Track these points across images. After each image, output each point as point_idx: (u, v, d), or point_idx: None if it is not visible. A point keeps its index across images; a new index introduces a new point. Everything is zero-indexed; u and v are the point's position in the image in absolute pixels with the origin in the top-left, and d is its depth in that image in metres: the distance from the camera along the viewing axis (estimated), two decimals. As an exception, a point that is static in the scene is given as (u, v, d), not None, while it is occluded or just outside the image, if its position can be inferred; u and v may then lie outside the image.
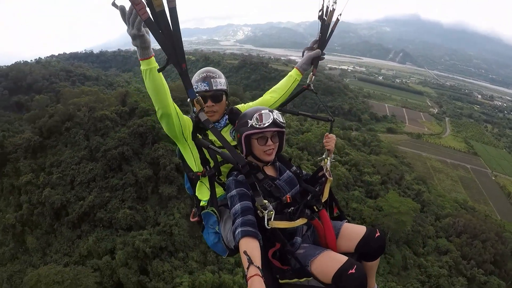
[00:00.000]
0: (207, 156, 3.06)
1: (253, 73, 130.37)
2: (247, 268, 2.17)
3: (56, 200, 37.45)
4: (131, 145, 40.76)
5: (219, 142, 2.88)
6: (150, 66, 2.47)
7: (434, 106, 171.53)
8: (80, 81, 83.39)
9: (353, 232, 3.10)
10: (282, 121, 2.97)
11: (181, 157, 3.37)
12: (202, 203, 3.32)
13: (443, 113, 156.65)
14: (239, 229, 2.51)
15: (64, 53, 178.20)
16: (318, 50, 3.67)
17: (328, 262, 2.71)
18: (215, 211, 3.09)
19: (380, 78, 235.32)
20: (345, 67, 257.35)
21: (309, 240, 3.14)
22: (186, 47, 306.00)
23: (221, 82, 3.23)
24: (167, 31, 2.16)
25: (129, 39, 2.22)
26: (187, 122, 3.10)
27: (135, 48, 2.41)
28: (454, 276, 44.09)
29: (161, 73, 2.55)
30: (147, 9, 2.07)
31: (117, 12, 2.11)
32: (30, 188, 39.23)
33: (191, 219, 3.54)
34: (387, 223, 45.12)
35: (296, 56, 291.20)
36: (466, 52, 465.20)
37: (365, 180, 56.88)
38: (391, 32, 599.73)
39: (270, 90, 3.83)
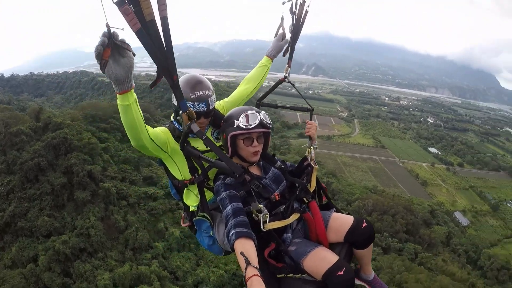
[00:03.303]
0: (195, 164, 2.90)
1: (167, 92, 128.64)
2: (245, 269, 2.11)
3: (-23, 214, 37.59)
4: (45, 157, 41.63)
5: (202, 148, 2.93)
6: (129, 102, 2.35)
7: (344, 110, 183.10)
8: (-10, 105, 79.43)
9: (341, 223, 3.07)
10: (268, 122, 2.92)
11: (163, 165, 3.28)
12: (191, 209, 3.30)
13: (352, 116, 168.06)
14: (232, 231, 2.45)
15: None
16: (286, 39, 3.70)
17: (318, 262, 2.72)
18: (207, 216, 3.05)
19: (293, 90, 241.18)
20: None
21: (300, 233, 3.12)
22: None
23: (215, 99, 3.11)
24: (158, 41, 2.05)
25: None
26: (164, 135, 2.99)
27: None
28: (370, 248, 50.09)
29: (138, 105, 2.44)
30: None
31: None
32: None
33: (182, 225, 3.50)
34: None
35: (212, 74, 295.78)
36: (374, 62, 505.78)
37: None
38: (304, 47, 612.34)
39: (244, 81, 3.78)
